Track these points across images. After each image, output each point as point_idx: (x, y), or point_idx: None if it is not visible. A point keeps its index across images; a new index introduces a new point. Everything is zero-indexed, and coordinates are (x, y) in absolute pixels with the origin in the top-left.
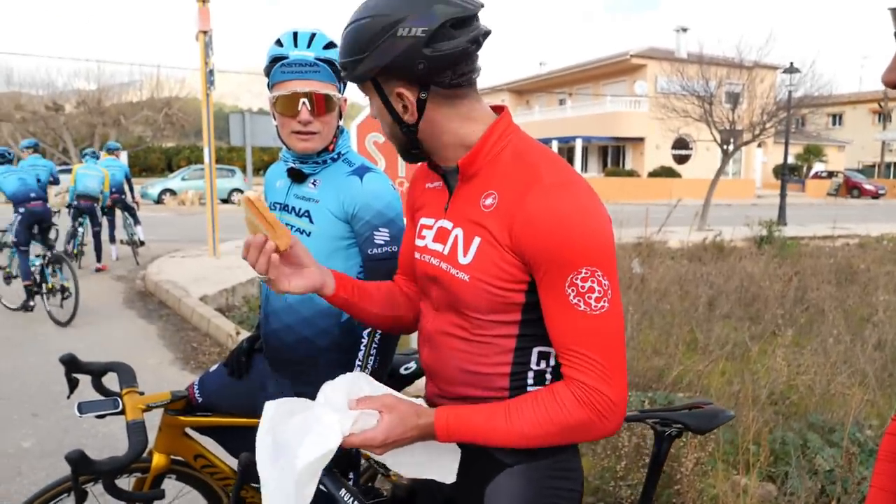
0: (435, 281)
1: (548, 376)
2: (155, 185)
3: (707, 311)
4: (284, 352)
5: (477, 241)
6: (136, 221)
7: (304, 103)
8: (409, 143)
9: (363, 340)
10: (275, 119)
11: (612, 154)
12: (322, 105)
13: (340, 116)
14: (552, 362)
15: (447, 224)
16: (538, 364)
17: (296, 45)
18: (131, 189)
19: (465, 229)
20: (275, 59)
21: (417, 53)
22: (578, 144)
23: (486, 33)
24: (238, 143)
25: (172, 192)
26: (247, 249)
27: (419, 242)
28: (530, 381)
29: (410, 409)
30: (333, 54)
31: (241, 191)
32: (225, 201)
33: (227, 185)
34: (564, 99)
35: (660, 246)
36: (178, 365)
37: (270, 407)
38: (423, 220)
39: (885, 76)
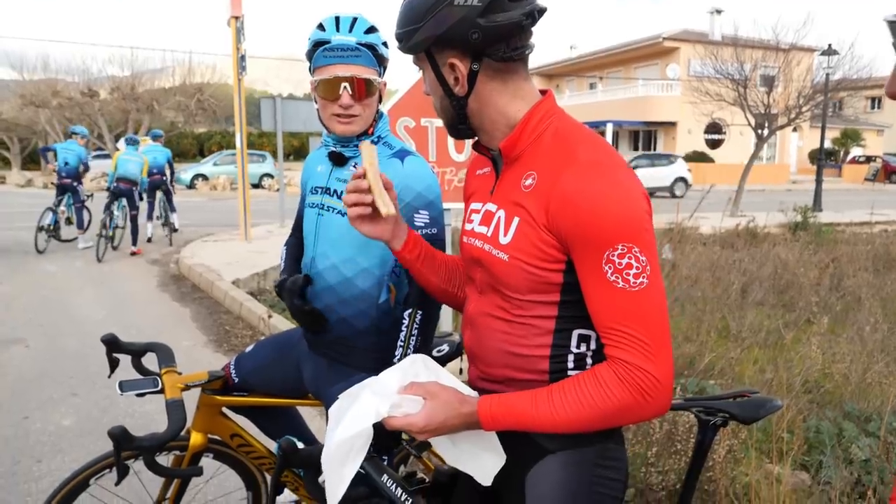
0: (478, 263)
1: (588, 360)
2: (187, 171)
3: (740, 298)
4: (323, 332)
5: (516, 221)
6: (172, 208)
7: (345, 87)
8: (458, 118)
9: (404, 321)
10: (316, 102)
11: (644, 139)
12: (362, 89)
13: (380, 101)
14: (593, 345)
15: (492, 207)
16: (578, 347)
17: (338, 30)
18: (172, 174)
19: (507, 210)
20: (317, 44)
21: (472, 23)
22: (609, 129)
23: (542, 10)
24: (269, 129)
25: (204, 178)
26: (350, 187)
27: (467, 227)
28: (570, 364)
29: (454, 397)
30: (374, 39)
31: (271, 176)
32: (256, 186)
33: (258, 170)
34: (595, 83)
35: (691, 232)
36: (210, 347)
37: (341, 397)
38: (473, 205)
39: (888, 88)
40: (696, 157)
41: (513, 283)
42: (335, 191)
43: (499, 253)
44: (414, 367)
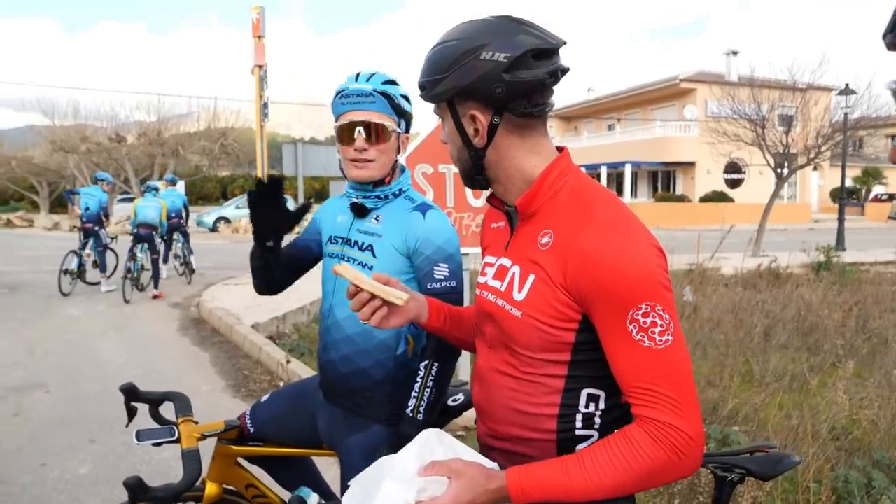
0: (490, 317)
1: (597, 420)
2: (210, 214)
3: (763, 341)
4: (340, 382)
5: (531, 278)
6: (190, 250)
7: (359, 131)
8: (475, 168)
9: (420, 372)
10: (339, 153)
11: (663, 179)
12: (377, 134)
13: (399, 151)
14: (602, 405)
15: (506, 262)
16: (587, 406)
17: (356, 80)
18: (188, 216)
19: (523, 267)
20: (337, 94)
21: (497, 77)
22: (628, 170)
23: (565, 70)
24: (290, 173)
25: (227, 220)
26: (355, 306)
27: (480, 279)
28: (579, 424)
29: (480, 473)
30: (391, 89)
31: None
32: None
33: None
34: (613, 124)
35: (713, 273)
36: (229, 392)
37: (353, 484)
38: (487, 258)
39: (892, 155)
40: (715, 197)
41: (524, 340)
42: (356, 242)
43: (512, 309)
44: (429, 445)
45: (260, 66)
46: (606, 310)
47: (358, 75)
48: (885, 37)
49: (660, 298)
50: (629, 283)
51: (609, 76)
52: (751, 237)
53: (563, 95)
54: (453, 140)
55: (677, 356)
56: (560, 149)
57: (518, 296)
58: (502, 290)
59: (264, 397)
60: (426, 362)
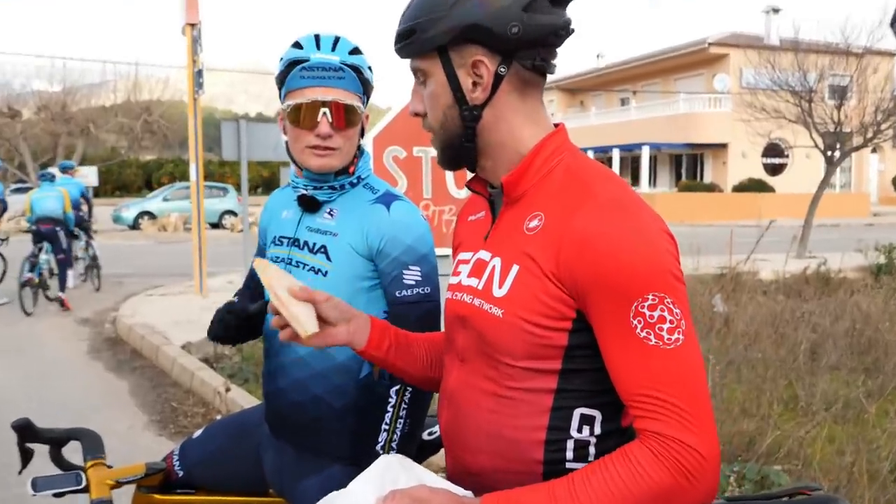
0: (464, 323)
1: (591, 449)
2: (130, 207)
3: (809, 361)
4: (291, 414)
5: (515, 269)
6: (94, 250)
7: (324, 114)
8: (465, 134)
9: (391, 400)
10: (284, 133)
11: (688, 164)
12: (344, 117)
13: (362, 134)
14: (597, 429)
15: (485, 255)
16: (580, 430)
17: (318, 48)
18: (90, 209)
19: (505, 258)
20: (292, 63)
21: (516, 14)
22: (645, 153)
23: (572, 29)
24: (231, 157)
25: (151, 216)
26: (276, 320)
27: (452, 280)
28: (569, 455)
29: (448, 500)
30: (360, 61)
31: (234, 213)
32: (215, 226)
33: (218, 206)
34: (627, 98)
35: (748, 278)
36: (153, 429)
37: None
38: (461, 256)
39: None
40: (752, 186)
41: (506, 344)
42: (306, 243)
43: (492, 308)
44: (391, 472)
45: (192, 25)
46: (606, 302)
47: (318, 40)
48: (893, 25)
49: (670, 289)
50: (635, 269)
51: (623, 40)
52: (795, 234)
53: (567, 63)
54: (438, 100)
55: (689, 359)
56: (556, 125)
57: (499, 291)
58: (479, 287)
59: (197, 433)
60: (398, 387)
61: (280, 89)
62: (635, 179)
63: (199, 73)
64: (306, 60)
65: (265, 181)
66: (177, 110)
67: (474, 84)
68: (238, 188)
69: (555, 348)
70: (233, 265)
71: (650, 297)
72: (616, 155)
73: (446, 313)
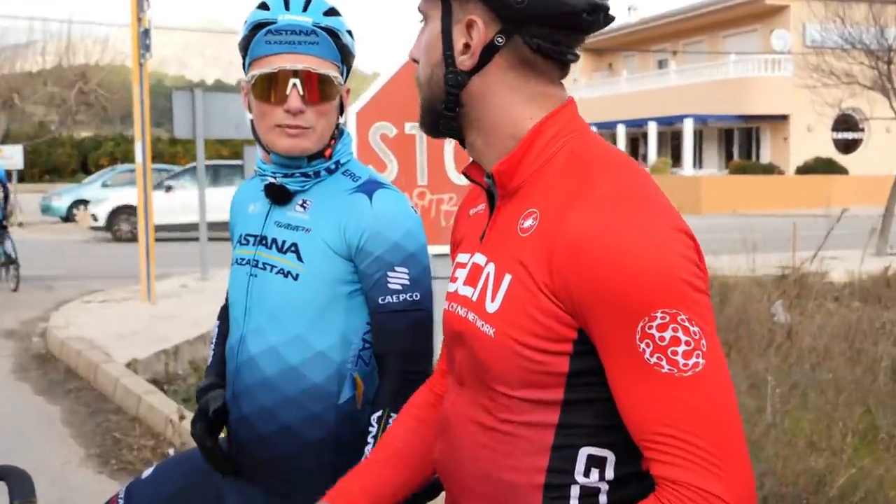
0: (460, 340)
1: (602, 498)
2: (63, 195)
3: (891, 383)
4: (257, 449)
5: (507, 279)
6: (11, 244)
7: (294, 85)
8: (447, 99)
9: (371, 429)
10: (249, 110)
11: (740, 140)
12: (318, 90)
13: (342, 112)
14: (610, 473)
15: (480, 259)
16: (587, 474)
17: (287, 9)
18: (6, 195)
19: (498, 264)
20: (257, 27)
21: None
22: (688, 127)
23: (608, 16)
24: (184, 135)
25: (88, 205)
26: None
27: (450, 288)
28: (574, 503)
29: None
30: (337, 23)
31: None
32: None
33: None
34: (666, 60)
35: (816, 280)
36: (92, 465)
37: None
38: (459, 258)
39: None
40: (820, 167)
41: (500, 369)
42: (275, 241)
43: (483, 325)
44: None
45: None
46: (608, 321)
47: (288, 1)
48: None
49: (685, 304)
50: (639, 279)
51: None
52: (873, 226)
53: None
54: (430, 52)
55: (712, 387)
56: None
57: (491, 306)
58: (474, 299)
59: (147, 472)
60: (379, 413)
61: (244, 58)
62: (676, 159)
63: (146, 34)
64: (273, 23)
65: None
66: (118, 77)
67: (465, 46)
68: (193, 170)
69: (555, 375)
70: (188, 265)
71: (659, 313)
72: (653, 130)
73: (444, 328)
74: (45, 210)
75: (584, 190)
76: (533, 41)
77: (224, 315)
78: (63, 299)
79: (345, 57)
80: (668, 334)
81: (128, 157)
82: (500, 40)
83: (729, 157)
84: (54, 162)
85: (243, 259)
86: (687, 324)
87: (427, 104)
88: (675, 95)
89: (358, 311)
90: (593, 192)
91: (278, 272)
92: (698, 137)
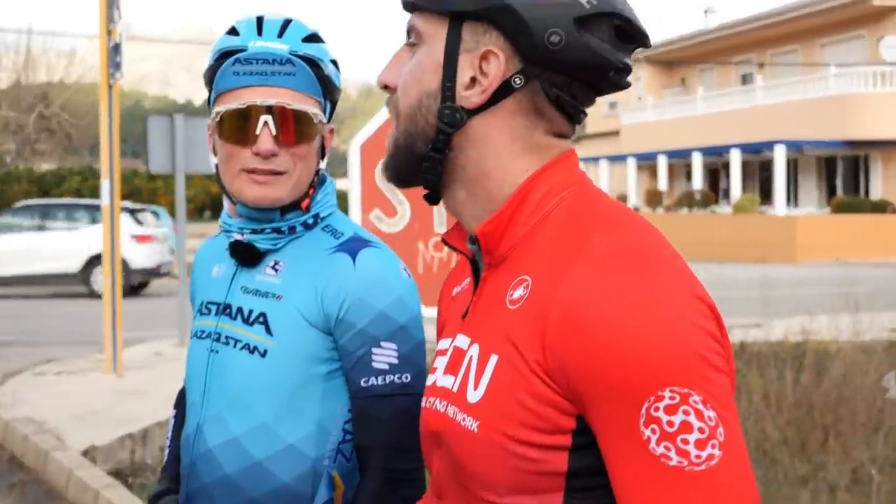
0: (438, 441)
1: None
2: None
3: None
4: None
5: (493, 360)
6: None
7: (266, 123)
8: (434, 139)
9: None
10: (214, 154)
11: (845, 172)
12: (294, 129)
13: (323, 156)
14: None
15: (463, 341)
16: None
17: (259, 34)
18: None
19: (483, 345)
20: (224, 55)
21: (564, 21)
22: (780, 155)
23: (626, 79)
24: (161, 169)
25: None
26: None
27: (427, 381)
28: None
29: None
30: (318, 51)
31: (171, 250)
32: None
33: None
34: (751, 74)
35: None
36: None
37: None
38: (440, 344)
39: None
40: None
41: (485, 472)
42: (239, 310)
43: (465, 419)
44: None
45: None
46: (607, 403)
47: (261, 23)
48: None
49: (698, 382)
50: (643, 352)
51: None
52: None
53: (661, 25)
54: (421, 79)
55: (731, 485)
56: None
57: (474, 395)
58: (454, 389)
59: None
60: None
61: (209, 92)
62: (765, 195)
63: (116, 49)
64: (242, 50)
65: (214, 201)
66: (87, 98)
67: (472, 80)
68: (172, 212)
69: (551, 476)
70: (164, 328)
71: (668, 393)
72: (736, 159)
73: (420, 429)
74: None
75: (581, 250)
76: (552, 90)
77: (182, 401)
78: (12, 370)
79: (327, 91)
80: (677, 418)
81: (97, 194)
82: (518, 81)
83: (831, 192)
84: (9, 199)
85: (203, 332)
86: (701, 407)
87: (405, 141)
88: (763, 117)
89: (337, 395)
90: (591, 251)
91: (243, 347)
92: (792, 168)
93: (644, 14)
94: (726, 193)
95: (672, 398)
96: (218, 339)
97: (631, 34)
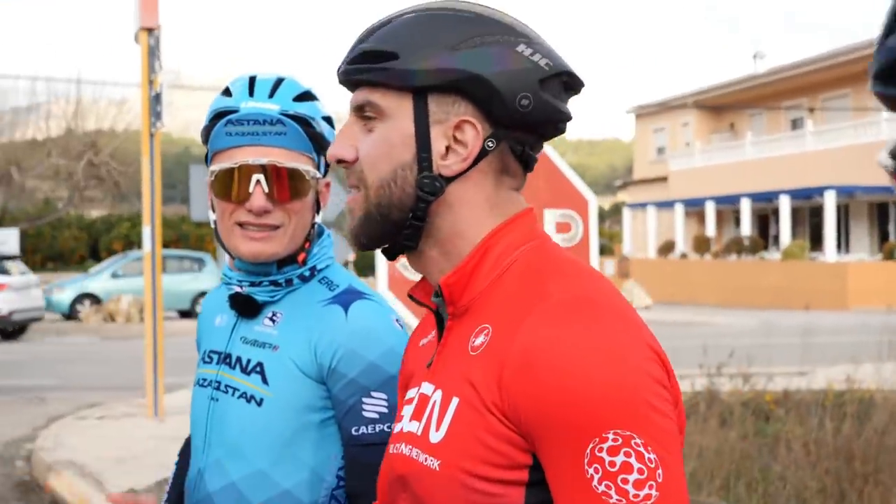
0: (405, 484)
1: None
2: (66, 287)
3: None
4: None
5: (454, 402)
6: None
7: (258, 182)
8: (414, 208)
9: None
10: (213, 210)
11: None
12: (287, 185)
13: (318, 209)
14: None
15: (428, 388)
16: None
17: (251, 94)
18: None
19: (445, 389)
20: (218, 115)
21: (531, 85)
22: (830, 201)
23: (565, 127)
24: (203, 217)
25: (95, 299)
26: None
27: (394, 429)
28: None
29: None
30: (309, 109)
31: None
32: (186, 314)
33: (191, 285)
34: (801, 119)
35: None
36: None
37: None
38: (408, 394)
39: None
40: None
41: None
42: (238, 359)
43: (427, 459)
44: None
45: (150, 30)
46: (555, 442)
47: (253, 84)
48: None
49: (641, 426)
50: (590, 395)
51: (791, 31)
52: None
53: (707, 69)
54: (391, 153)
55: None
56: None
57: (435, 435)
58: (419, 433)
59: None
60: None
61: (207, 152)
62: (816, 242)
63: (157, 98)
64: (234, 111)
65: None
66: (135, 146)
67: (447, 149)
68: (214, 255)
69: None
70: None
71: (612, 435)
72: (785, 205)
73: (381, 477)
74: (46, 305)
75: (538, 300)
76: (517, 147)
77: (186, 448)
78: (55, 414)
79: (320, 147)
80: (619, 459)
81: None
82: (491, 145)
83: (883, 238)
84: (59, 247)
85: (205, 380)
86: (641, 449)
87: (377, 210)
88: (814, 162)
89: (331, 442)
90: (547, 300)
91: (241, 396)
92: (843, 214)
93: (693, 59)
94: (776, 239)
95: (615, 440)
96: (218, 388)
97: (573, 85)
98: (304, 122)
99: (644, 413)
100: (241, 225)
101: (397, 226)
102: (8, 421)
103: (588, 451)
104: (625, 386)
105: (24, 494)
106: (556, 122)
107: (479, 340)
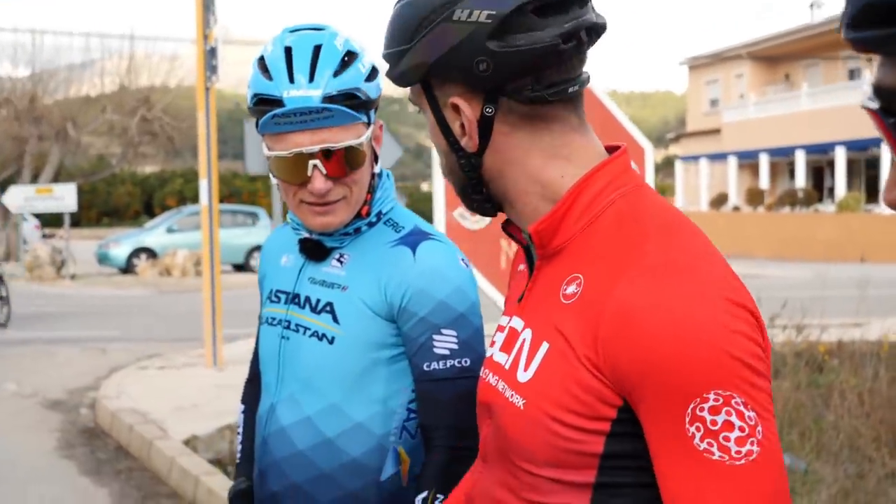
0: (489, 411)
1: None
2: (122, 242)
3: None
4: None
5: (544, 347)
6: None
7: (315, 167)
8: (470, 184)
9: None
10: (274, 176)
11: None
12: (342, 162)
13: (376, 159)
14: None
15: (518, 323)
16: None
17: (292, 81)
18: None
19: (536, 330)
20: (260, 101)
21: (479, 47)
22: (886, 152)
23: (594, 27)
24: (259, 170)
25: (151, 254)
26: None
27: (488, 353)
28: None
29: None
30: (350, 81)
31: None
32: (240, 268)
33: (245, 239)
34: (859, 69)
35: None
36: None
37: None
38: (501, 320)
39: (886, 196)
40: None
41: (526, 445)
42: (308, 300)
43: (513, 395)
44: None
45: None
46: (656, 400)
47: (291, 66)
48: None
49: (739, 386)
50: (690, 358)
51: None
52: None
53: (762, 20)
54: (436, 139)
55: (766, 478)
56: (613, 148)
57: (523, 375)
58: (507, 367)
59: None
60: (425, 495)
61: (256, 123)
62: (871, 194)
63: (213, 52)
64: (277, 101)
65: None
66: (188, 102)
67: (461, 127)
68: (269, 211)
69: (587, 456)
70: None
71: (713, 395)
72: (841, 156)
73: (477, 396)
74: (102, 259)
75: (634, 258)
76: (522, 96)
77: (248, 397)
78: (116, 365)
79: (368, 108)
80: (720, 418)
81: (197, 197)
82: (490, 110)
83: None
84: (114, 202)
85: (274, 319)
86: (742, 408)
87: (457, 189)
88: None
89: (401, 377)
90: (644, 260)
91: (312, 335)
92: None
93: (749, 10)
94: (830, 192)
95: (716, 400)
96: (288, 327)
97: (554, 4)
98: (350, 96)
99: (743, 374)
100: (306, 203)
101: (470, 196)
102: (71, 370)
103: (689, 410)
104: (724, 348)
105: (90, 440)
106: (548, 52)
107: (570, 289)
